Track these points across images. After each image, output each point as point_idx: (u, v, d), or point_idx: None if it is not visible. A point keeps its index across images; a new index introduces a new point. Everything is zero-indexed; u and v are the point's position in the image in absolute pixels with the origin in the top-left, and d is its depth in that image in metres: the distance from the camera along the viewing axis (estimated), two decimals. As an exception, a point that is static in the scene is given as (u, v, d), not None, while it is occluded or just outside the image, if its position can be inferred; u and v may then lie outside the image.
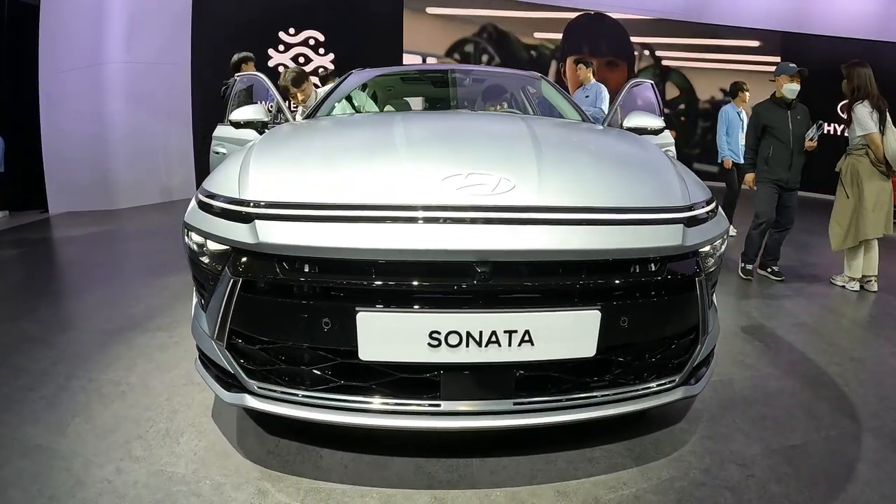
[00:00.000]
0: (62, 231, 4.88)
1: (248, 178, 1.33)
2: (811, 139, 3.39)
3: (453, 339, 1.12)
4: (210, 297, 1.36)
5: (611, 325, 1.18)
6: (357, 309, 1.12)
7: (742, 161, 4.88)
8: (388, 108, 3.02)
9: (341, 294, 1.15)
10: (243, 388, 1.29)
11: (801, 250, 4.47)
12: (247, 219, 1.22)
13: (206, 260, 1.37)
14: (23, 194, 5.82)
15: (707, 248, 1.38)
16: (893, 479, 1.48)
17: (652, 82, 3.66)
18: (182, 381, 1.89)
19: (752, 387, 1.97)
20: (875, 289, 3.29)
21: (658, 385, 1.33)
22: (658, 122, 2.51)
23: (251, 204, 1.24)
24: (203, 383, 1.81)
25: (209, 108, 6.81)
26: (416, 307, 1.13)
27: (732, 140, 4.91)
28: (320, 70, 8.06)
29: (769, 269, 3.55)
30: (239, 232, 1.21)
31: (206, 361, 1.42)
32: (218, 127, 3.65)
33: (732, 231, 4.89)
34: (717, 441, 1.61)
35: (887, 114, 3.18)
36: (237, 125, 2.40)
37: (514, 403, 1.22)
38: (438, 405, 1.20)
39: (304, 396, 1.22)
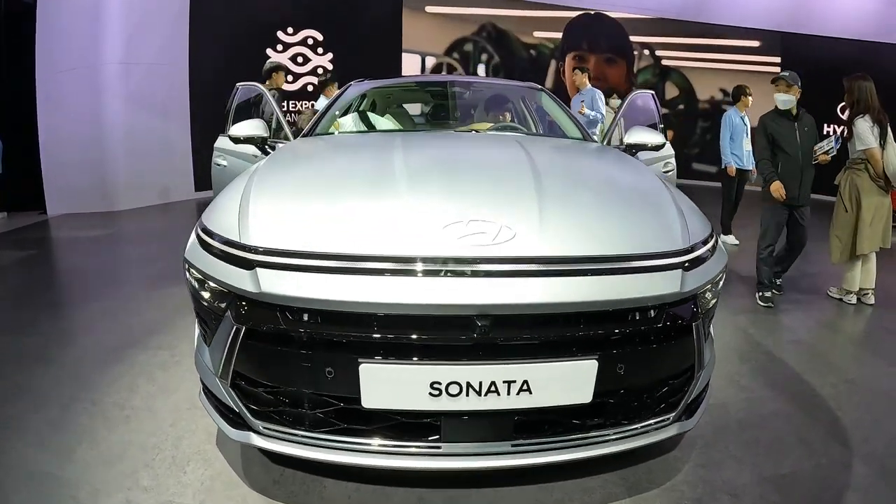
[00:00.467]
0: (61, 235, 4.86)
1: (248, 220, 1.34)
2: (826, 153, 3.20)
3: (454, 389, 1.15)
4: (213, 335, 1.38)
5: (607, 373, 1.21)
6: (360, 361, 1.15)
7: (746, 167, 4.78)
8: (387, 121, 3.03)
9: (344, 345, 1.17)
10: (249, 427, 1.31)
11: (799, 258, 4.50)
12: (248, 265, 1.23)
13: (207, 296, 1.38)
14: (21, 195, 5.81)
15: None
16: (880, 508, 1.52)
17: (652, 93, 3.68)
18: (185, 405, 1.91)
19: (746, 410, 2.00)
20: (871, 301, 3.32)
21: (653, 423, 1.36)
22: (658, 138, 2.53)
23: (252, 250, 1.25)
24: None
25: (208, 108, 6.79)
26: (417, 359, 1.16)
27: (736, 146, 4.83)
28: (319, 69, 8.03)
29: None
30: (240, 279, 1.22)
31: (211, 396, 1.44)
32: (219, 138, 3.65)
33: (735, 241, 4.88)
34: (709, 469, 1.65)
35: (888, 128, 3.14)
36: (237, 140, 2.40)
37: (513, 445, 1.26)
38: (439, 447, 1.23)
39: (309, 437, 1.25)
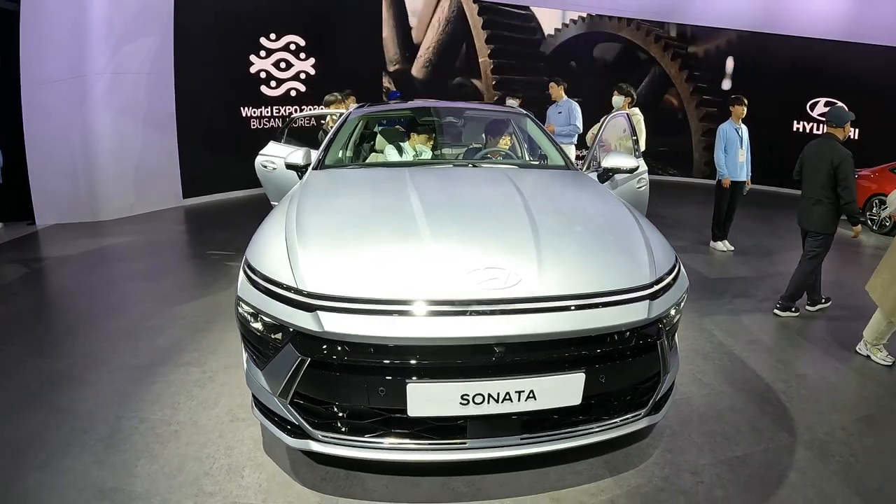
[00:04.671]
0: (56, 247, 4.87)
1: (301, 268, 1.61)
2: None
3: (478, 399, 1.49)
4: (268, 361, 1.63)
5: (592, 382, 1.57)
6: (407, 381, 1.46)
7: (740, 179, 4.86)
8: (388, 147, 3.30)
9: (395, 370, 1.48)
10: (307, 436, 1.59)
11: (776, 262, 4.94)
12: (308, 308, 1.51)
13: (260, 328, 1.64)
14: (8, 205, 5.79)
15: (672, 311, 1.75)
16: (815, 484, 1.88)
17: (626, 112, 4.04)
18: (227, 417, 2.14)
19: (707, 404, 2.37)
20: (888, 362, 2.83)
21: (628, 417, 1.72)
22: (632, 162, 2.87)
23: (312, 296, 1.52)
24: (250, 420, 2.09)
25: (194, 116, 6.85)
26: (450, 378, 1.48)
27: (731, 158, 4.85)
28: (301, 74, 8.13)
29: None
30: (304, 319, 1.50)
31: (266, 410, 1.70)
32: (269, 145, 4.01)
33: (730, 247, 5.06)
34: (675, 453, 2.00)
35: None
36: (289, 166, 2.78)
37: (521, 438, 1.60)
38: (465, 443, 1.57)
39: (362, 441, 1.55)
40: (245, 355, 1.82)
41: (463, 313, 1.47)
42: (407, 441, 1.54)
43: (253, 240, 1.91)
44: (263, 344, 1.65)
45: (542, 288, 1.56)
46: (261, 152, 4.00)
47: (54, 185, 5.74)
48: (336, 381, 1.51)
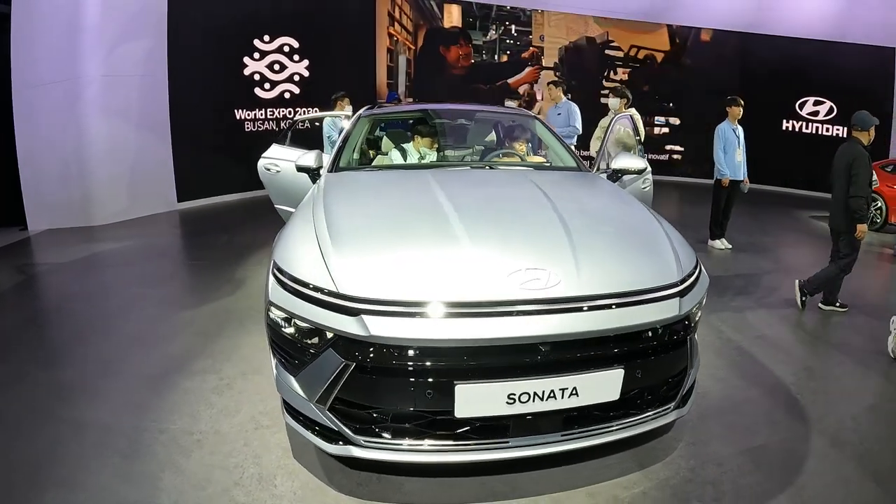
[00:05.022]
0: (51, 254, 4.75)
1: (338, 271, 1.59)
2: None
3: (524, 398, 1.51)
4: (302, 367, 1.62)
5: (630, 377, 1.61)
6: (455, 382, 1.47)
7: (738, 178, 4.99)
8: (392, 150, 3.30)
9: (443, 372, 1.49)
10: (348, 441, 1.58)
11: (769, 259, 5.03)
12: (352, 312, 1.50)
13: (292, 332, 1.62)
14: (0, 209, 5.63)
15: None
16: (832, 470, 1.94)
17: (630, 114, 4.10)
18: (251, 425, 2.11)
19: (723, 397, 2.42)
20: None
21: (658, 412, 1.76)
22: (641, 164, 2.92)
23: (354, 299, 1.52)
24: (275, 427, 2.07)
25: (187, 119, 6.75)
26: (497, 378, 1.50)
27: (728, 157, 4.95)
28: (295, 77, 8.07)
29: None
30: (347, 323, 1.49)
31: (301, 416, 1.68)
32: (271, 147, 3.95)
33: (728, 245, 5.17)
34: (698, 446, 2.05)
35: None
36: (300, 169, 2.74)
37: (562, 435, 1.63)
38: (507, 441, 1.58)
39: (406, 445, 1.55)
40: (274, 361, 1.80)
41: (509, 314, 1.49)
42: (451, 442, 1.55)
43: (280, 244, 1.89)
44: (296, 349, 1.63)
45: (582, 288, 1.59)
46: (263, 155, 3.96)
47: (46, 190, 5.62)
48: (381, 385, 1.51)
